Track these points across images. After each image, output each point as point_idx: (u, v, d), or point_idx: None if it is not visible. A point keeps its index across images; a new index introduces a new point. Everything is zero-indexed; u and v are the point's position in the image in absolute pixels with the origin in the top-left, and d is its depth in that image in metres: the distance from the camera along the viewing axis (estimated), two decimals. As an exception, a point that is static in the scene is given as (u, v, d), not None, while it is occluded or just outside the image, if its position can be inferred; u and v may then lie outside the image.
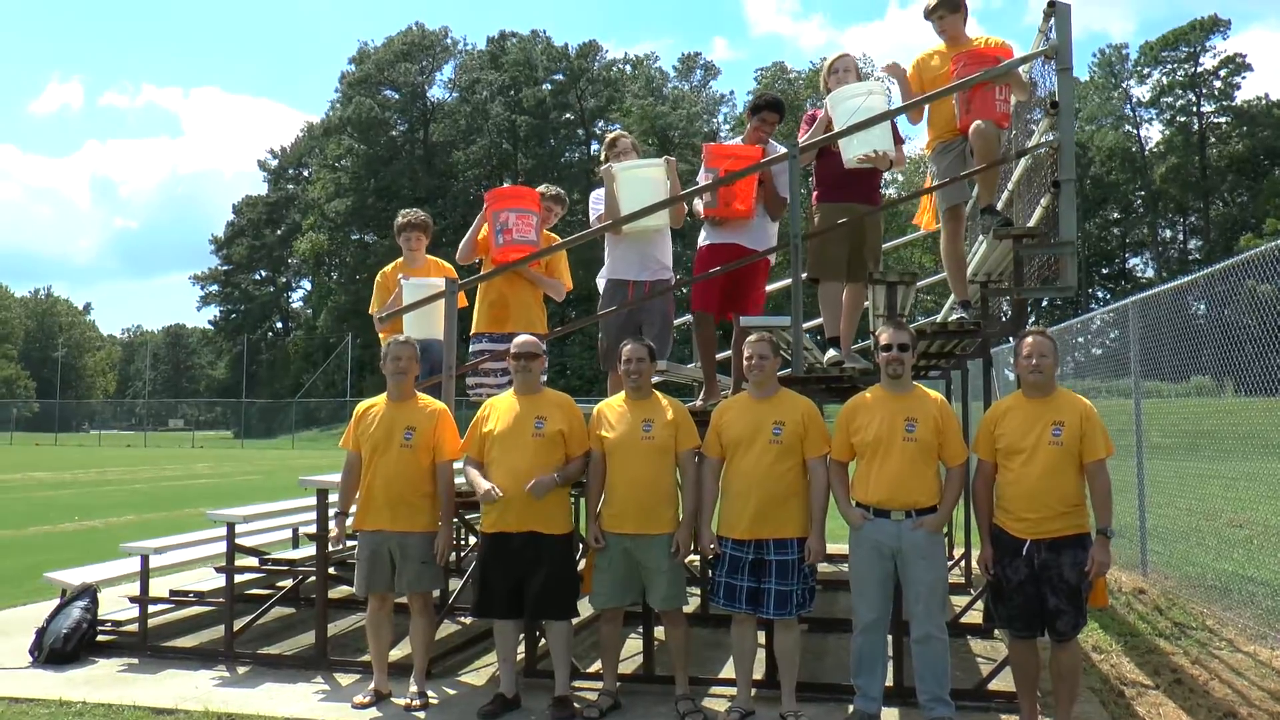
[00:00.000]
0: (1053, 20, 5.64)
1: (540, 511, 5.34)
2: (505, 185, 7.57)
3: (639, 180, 6.51)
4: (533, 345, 5.57)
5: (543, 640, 6.01)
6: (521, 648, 6.06)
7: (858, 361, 6.33)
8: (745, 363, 5.30)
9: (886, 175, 6.65)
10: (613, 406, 5.51)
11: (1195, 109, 65.11)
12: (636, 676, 5.95)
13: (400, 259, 7.50)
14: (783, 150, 6.36)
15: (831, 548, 9.78)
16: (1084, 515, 4.83)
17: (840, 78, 6.36)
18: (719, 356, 7.30)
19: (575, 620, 5.63)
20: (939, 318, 9.26)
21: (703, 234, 6.74)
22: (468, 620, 7.55)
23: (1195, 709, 5.47)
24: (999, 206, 6.57)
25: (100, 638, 6.76)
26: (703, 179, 6.50)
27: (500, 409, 5.56)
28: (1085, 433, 4.77)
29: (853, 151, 6.02)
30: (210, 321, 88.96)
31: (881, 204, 6.62)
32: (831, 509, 5.23)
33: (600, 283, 6.84)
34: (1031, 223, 6.20)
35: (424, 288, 6.82)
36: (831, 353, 6.31)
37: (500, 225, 6.58)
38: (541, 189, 7.14)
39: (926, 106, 6.35)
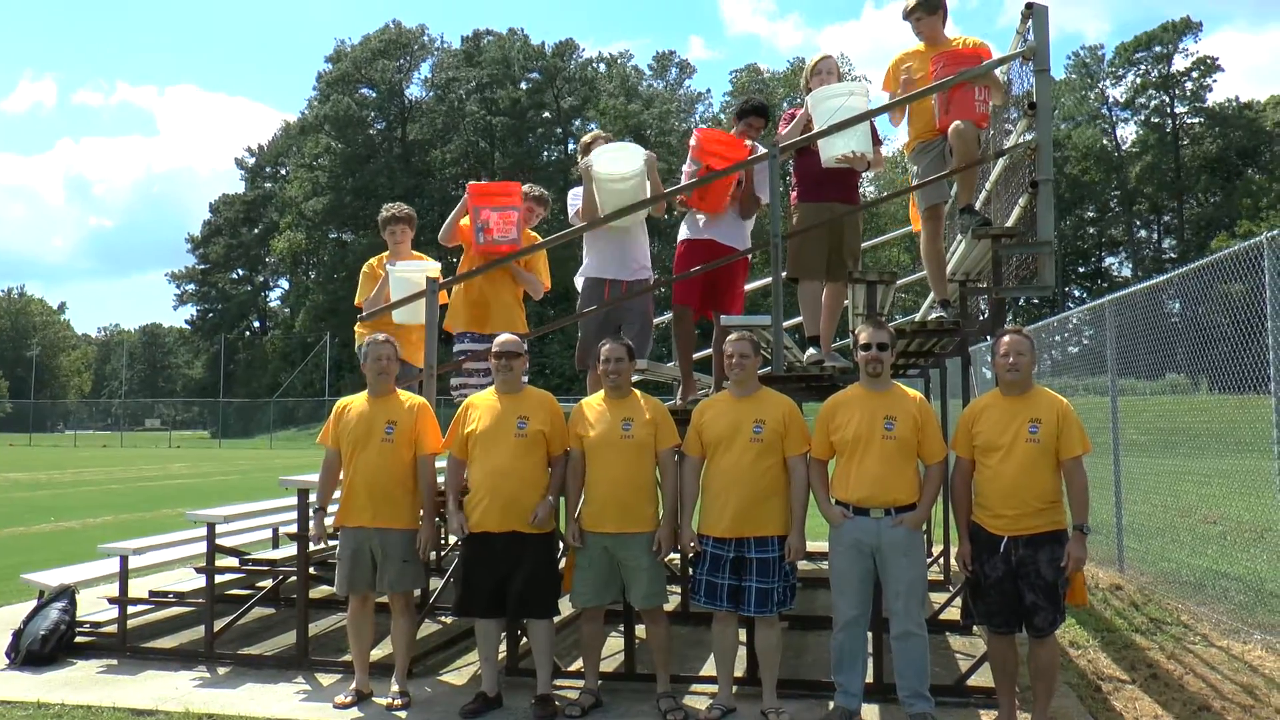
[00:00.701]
0: (1030, 22, 5.70)
1: (522, 511, 5.35)
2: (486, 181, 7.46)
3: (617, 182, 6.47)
4: (514, 344, 5.57)
5: (524, 639, 6.03)
6: (503, 646, 6.06)
7: (838, 360, 6.36)
8: (726, 361, 5.33)
9: (865, 175, 6.68)
10: (592, 405, 5.52)
11: (1169, 110, 65.73)
12: (618, 675, 5.96)
13: (385, 253, 7.47)
14: (764, 151, 6.40)
15: (811, 545, 9.80)
16: (1061, 512, 4.88)
17: (823, 79, 6.40)
18: (698, 355, 7.31)
19: (557, 619, 5.64)
20: (918, 316, 9.32)
21: (682, 229, 6.76)
22: (449, 619, 7.54)
23: (1170, 703, 5.53)
24: (977, 206, 6.62)
25: (79, 639, 6.71)
26: (688, 166, 6.47)
27: (482, 407, 5.56)
28: (1062, 430, 4.83)
29: (832, 151, 6.05)
30: (187, 321, 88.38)
31: (860, 204, 6.66)
32: (811, 507, 5.26)
33: (579, 281, 6.84)
34: (1010, 222, 6.26)
35: (409, 274, 6.79)
36: (811, 352, 6.34)
37: (481, 224, 6.58)
38: (525, 188, 7.12)
39: (907, 107, 6.39)
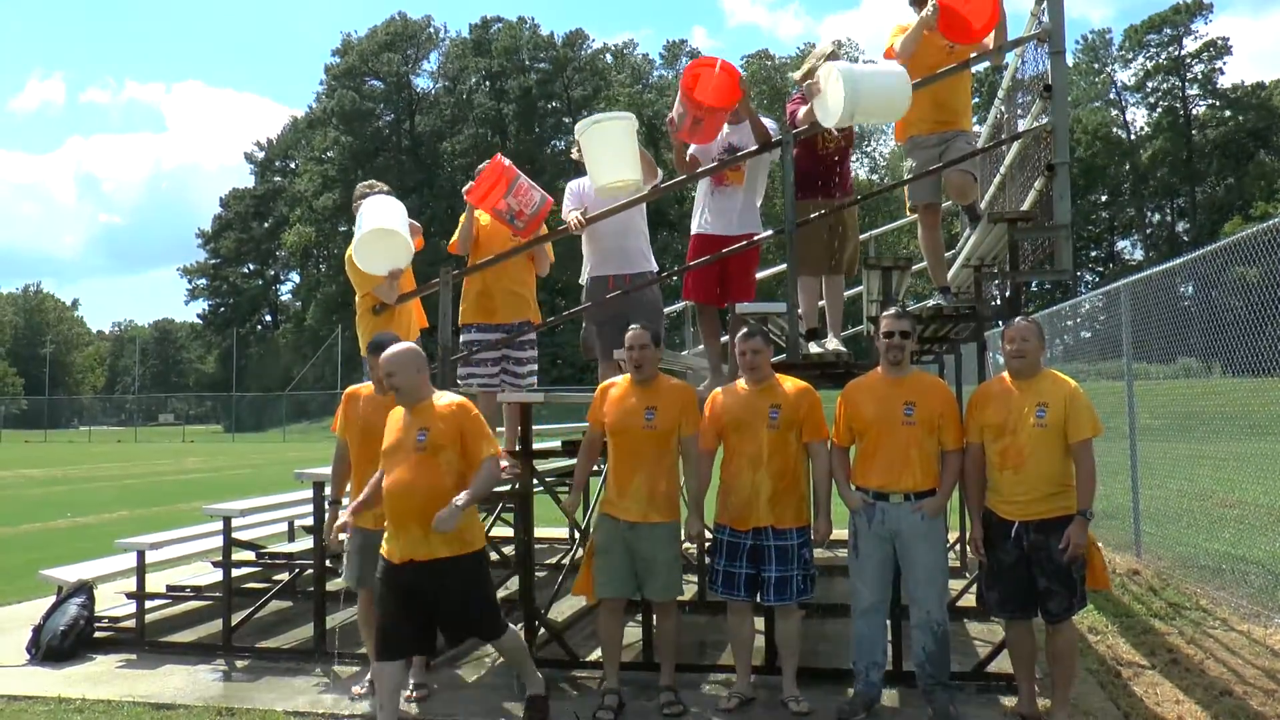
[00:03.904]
0: (1045, 3, 5.64)
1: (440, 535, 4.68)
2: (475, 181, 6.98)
3: (603, 136, 6.19)
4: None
5: (542, 630, 6.03)
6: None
7: (841, 349, 6.32)
8: (739, 358, 5.28)
9: (861, 171, 6.57)
10: (617, 388, 5.43)
11: (1180, 93, 65.23)
12: (634, 665, 5.94)
13: None
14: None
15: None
16: (1073, 497, 4.82)
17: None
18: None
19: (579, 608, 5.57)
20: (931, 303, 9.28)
21: (693, 223, 6.70)
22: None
23: (1191, 688, 5.50)
24: (991, 190, 6.56)
25: (97, 634, 6.75)
26: (677, 107, 6.24)
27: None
28: (1070, 414, 4.77)
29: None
30: (199, 315, 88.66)
31: (852, 199, 6.55)
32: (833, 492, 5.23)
33: (584, 280, 6.81)
34: (1025, 206, 6.20)
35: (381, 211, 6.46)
36: (812, 346, 6.29)
37: (510, 217, 6.40)
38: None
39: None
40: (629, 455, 5.30)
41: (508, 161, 6.52)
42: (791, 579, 5.13)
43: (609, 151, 6.13)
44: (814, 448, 5.23)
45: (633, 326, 5.40)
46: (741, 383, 5.37)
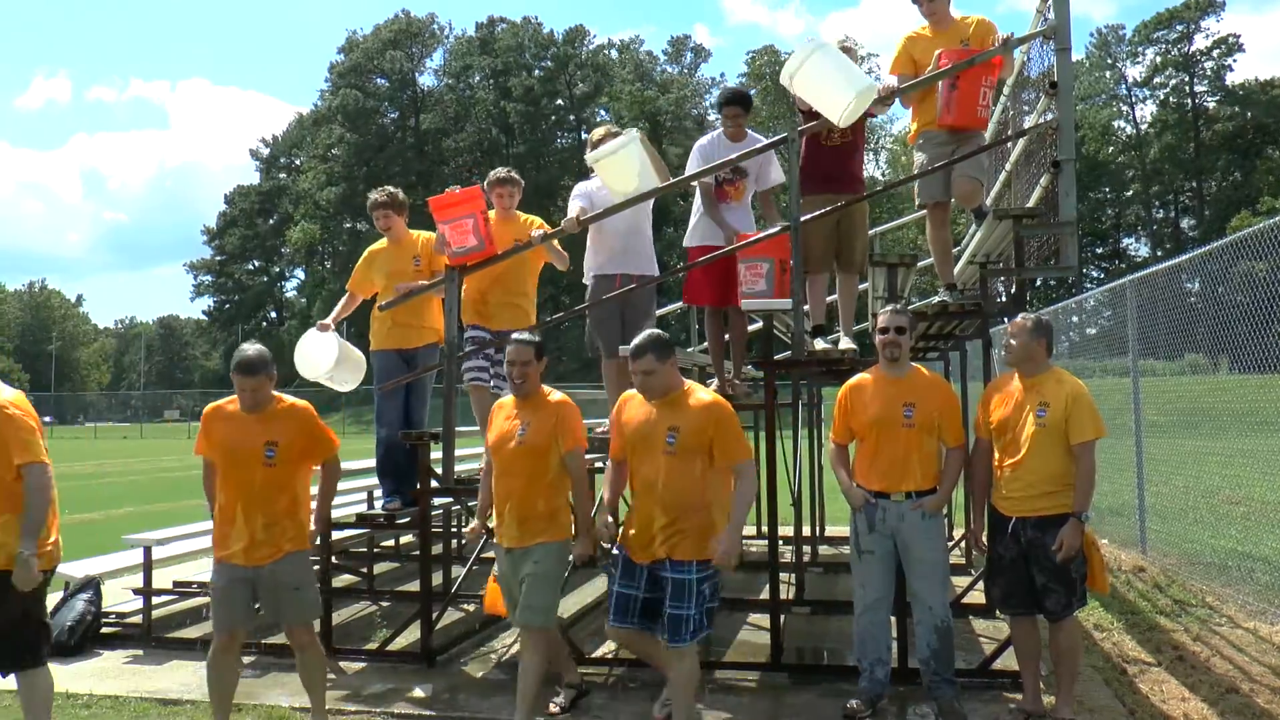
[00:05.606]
0: (1050, 0, 5.63)
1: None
2: (455, 190, 6.94)
3: (619, 166, 6.19)
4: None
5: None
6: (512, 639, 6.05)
7: (850, 347, 6.31)
8: (635, 380, 4.59)
9: (870, 164, 6.55)
10: (501, 407, 5.07)
11: (1189, 88, 65.07)
12: (639, 662, 5.92)
13: (384, 240, 7.24)
14: (761, 141, 6.35)
15: (832, 530, 9.73)
16: (1072, 496, 4.81)
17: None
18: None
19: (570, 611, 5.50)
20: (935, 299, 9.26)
21: (689, 235, 6.70)
22: (469, 608, 7.56)
23: (1197, 685, 5.50)
24: (997, 187, 6.52)
25: (104, 630, 6.77)
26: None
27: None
28: (1071, 414, 4.76)
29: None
30: (204, 312, 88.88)
31: (862, 194, 6.54)
32: (834, 489, 5.22)
33: (588, 279, 6.81)
34: (1030, 203, 6.19)
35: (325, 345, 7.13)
36: (819, 342, 6.28)
37: (441, 241, 6.48)
38: (492, 174, 7.00)
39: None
40: (503, 475, 4.86)
41: (485, 199, 6.52)
42: (687, 619, 4.39)
43: (626, 175, 6.13)
44: (738, 469, 4.47)
45: (514, 336, 4.95)
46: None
